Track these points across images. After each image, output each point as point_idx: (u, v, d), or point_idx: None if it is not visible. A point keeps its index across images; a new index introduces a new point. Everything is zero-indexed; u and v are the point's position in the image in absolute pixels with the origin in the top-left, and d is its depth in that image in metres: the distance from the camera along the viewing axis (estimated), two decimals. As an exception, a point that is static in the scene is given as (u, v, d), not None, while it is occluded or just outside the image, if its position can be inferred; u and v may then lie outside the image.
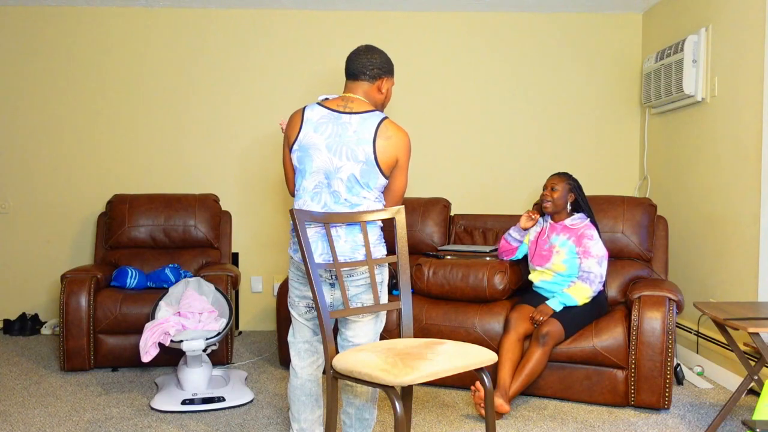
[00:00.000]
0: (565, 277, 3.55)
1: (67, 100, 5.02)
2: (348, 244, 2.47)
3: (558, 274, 3.56)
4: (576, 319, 3.42)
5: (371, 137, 2.42)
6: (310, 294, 2.51)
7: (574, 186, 3.63)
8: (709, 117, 4.00)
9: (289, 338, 2.65)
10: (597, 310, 3.51)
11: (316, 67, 5.06)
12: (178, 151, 5.06)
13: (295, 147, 2.48)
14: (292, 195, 2.60)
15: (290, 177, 2.58)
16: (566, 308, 3.44)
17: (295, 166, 2.51)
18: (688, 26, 4.25)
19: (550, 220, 3.67)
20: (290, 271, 2.59)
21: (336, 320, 2.57)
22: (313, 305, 2.49)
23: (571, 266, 3.53)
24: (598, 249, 3.47)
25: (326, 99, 2.53)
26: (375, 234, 2.54)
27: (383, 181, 2.49)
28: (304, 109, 2.50)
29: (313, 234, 2.47)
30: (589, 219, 3.59)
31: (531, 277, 3.70)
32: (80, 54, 5.02)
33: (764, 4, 3.43)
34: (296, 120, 2.50)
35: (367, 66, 2.50)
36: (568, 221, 3.59)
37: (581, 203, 3.63)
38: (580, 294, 3.43)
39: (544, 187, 3.64)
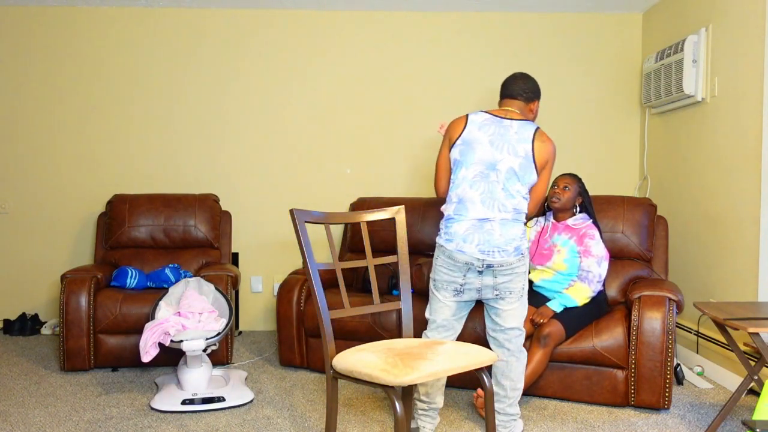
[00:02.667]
0: (566, 276, 3.55)
1: (67, 99, 5.02)
2: (503, 237, 2.80)
3: (559, 273, 3.56)
4: (576, 319, 3.42)
5: (530, 138, 2.85)
6: (459, 280, 2.84)
7: (584, 189, 3.64)
8: (709, 117, 4.00)
9: (427, 315, 2.98)
10: (597, 310, 3.50)
11: (316, 66, 5.06)
12: (178, 151, 5.06)
13: (458, 142, 2.89)
14: (440, 194, 3.03)
15: (442, 176, 3.00)
16: (566, 309, 3.43)
17: (454, 159, 2.90)
18: (688, 26, 4.25)
19: (552, 219, 3.66)
20: (439, 258, 2.89)
21: (485, 309, 2.99)
22: (461, 288, 2.85)
23: (572, 265, 3.52)
24: (598, 249, 3.47)
25: (485, 111, 2.96)
26: (520, 229, 2.86)
27: (534, 178, 2.87)
28: (468, 114, 2.94)
29: (470, 227, 2.81)
30: (591, 220, 3.59)
31: (531, 276, 3.69)
32: (80, 54, 5.02)
33: (764, 4, 3.43)
34: (461, 122, 2.93)
35: (524, 90, 2.98)
36: (570, 221, 3.58)
37: (587, 206, 3.63)
38: (580, 294, 3.43)
39: (554, 184, 3.63)
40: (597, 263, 3.45)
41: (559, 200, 3.57)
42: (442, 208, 2.93)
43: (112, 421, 3.20)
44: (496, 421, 2.90)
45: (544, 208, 3.73)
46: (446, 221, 2.88)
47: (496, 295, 2.85)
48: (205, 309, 3.63)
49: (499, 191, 2.82)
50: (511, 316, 2.89)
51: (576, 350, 3.38)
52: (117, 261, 4.48)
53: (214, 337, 3.46)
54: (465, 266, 2.81)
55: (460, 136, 2.89)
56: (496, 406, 2.93)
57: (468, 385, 3.63)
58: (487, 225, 2.80)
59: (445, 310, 2.90)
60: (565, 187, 3.57)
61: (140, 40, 5.02)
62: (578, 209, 3.62)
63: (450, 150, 2.92)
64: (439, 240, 2.90)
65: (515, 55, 5.06)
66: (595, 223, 3.58)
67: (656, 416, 3.27)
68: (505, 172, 2.82)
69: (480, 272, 2.81)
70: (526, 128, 2.87)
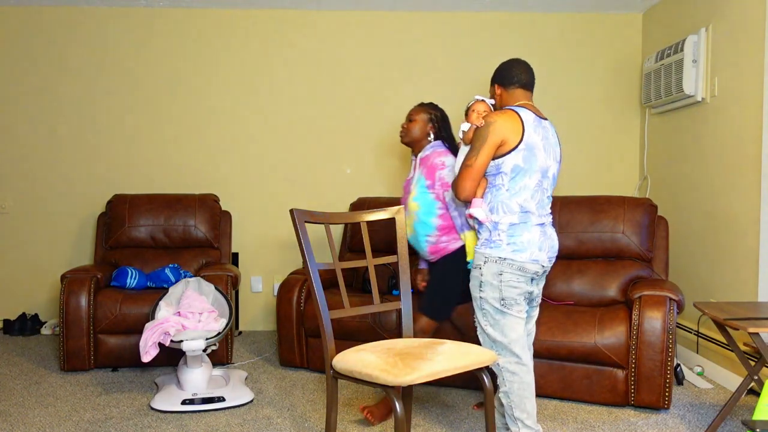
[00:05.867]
0: (422, 221, 3.10)
1: (67, 99, 5.02)
2: (557, 242, 2.75)
3: (416, 216, 3.12)
4: (440, 295, 3.11)
5: (559, 141, 2.79)
6: (530, 287, 2.69)
7: (437, 117, 3.21)
8: (709, 117, 4.00)
9: (502, 339, 2.65)
10: (456, 272, 3.08)
11: (316, 66, 5.06)
12: (178, 151, 5.06)
13: (522, 146, 2.61)
14: (464, 198, 2.67)
15: (477, 179, 2.64)
16: (428, 289, 3.11)
17: (515, 165, 2.62)
18: (688, 26, 4.25)
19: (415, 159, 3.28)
20: (505, 273, 2.62)
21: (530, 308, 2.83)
22: (531, 296, 2.74)
23: (425, 203, 3.08)
24: (450, 177, 3.02)
25: (523, 106, 2.72)
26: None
27: None
28: (516, 111, 2.65)
29: (540, 235, 2.66)
30: (445, 147, 3.15)
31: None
32: (80, 54, 5.01)
33: (764, 4, 3.43)
34: (517, 122, 2.62)
35: (534, 79, 2.81)
36: (422, 153, 3.20)
37: (445, 136, 3.22)
38: (472, 245, 2.93)
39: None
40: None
41: (405, 134, 3.24)
42: (491, 219, 2.67)
43: (112, 421, 3.20)
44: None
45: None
46: (511, 230, 2.63)
47: (532, 301, 2.80)
48: (205, 309, 3.63)
49: (545, 198, 2.71)
50: (534, 320, 2.87)
51: (577, 345, 3.37)
52: (117, 261, 4.48)
53: (214, 337, 3.46)
54: (532, 274, 2.67)
55: (522, 139, 2.60)
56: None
57: (469, 385, 3.63)
58: (548, 230, 2.71)
59: (521, 323, 2.69)
60: (410, 119, 3.24)
61: (140, 40, 5.02)
62: (432, 137, 3.21)
63: (506, 154, 2.61)
64: (498, 253, 2.62)
65: (515, 54, 5.05)
66: (451, 148, 3.16)
67: (656, 416, 3.27)
68: (552, 179, 2.73)
69: (533, 280, 2.72)
70: (554, 130, 2.79)
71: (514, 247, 2.61)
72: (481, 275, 2.64)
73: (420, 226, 3.12)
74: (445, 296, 3.14)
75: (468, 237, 2.99)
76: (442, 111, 3.28)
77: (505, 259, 2.61)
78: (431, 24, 5.05)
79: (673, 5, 4.52)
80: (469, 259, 2.96)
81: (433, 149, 3.16)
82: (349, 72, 5.07)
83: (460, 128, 2.87)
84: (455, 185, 2.68)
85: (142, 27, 5.02)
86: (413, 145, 3.26)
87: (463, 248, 3.06)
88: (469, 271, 2.78)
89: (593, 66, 5.05)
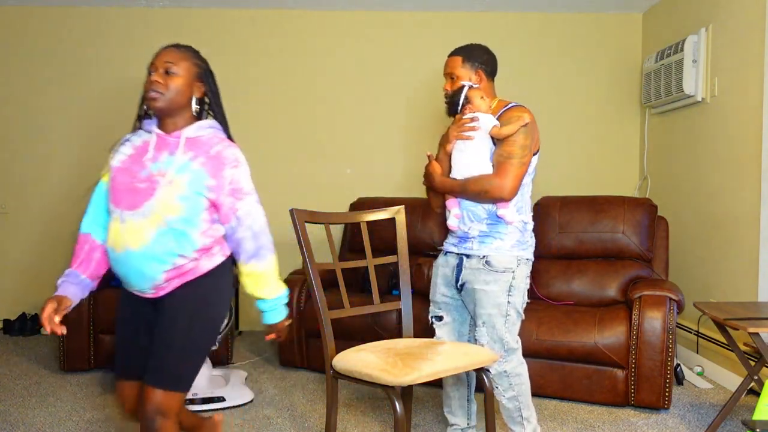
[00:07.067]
0: (177, 231, 1.97)
1: (66, 99, 5.02)
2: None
3: (168, 224, 1.97)
4: (192, 346, 2.06)
5: None
6: None
7: (205, 71, 2.20)
8: (709, 117, 4.00)
9: (515, 345, 2.57)
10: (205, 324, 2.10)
11: (316, 66, 5.06)
12: (178, 151, 5.06)
13: (539, 151, 2.60)
14: (511, 198, 2.50)
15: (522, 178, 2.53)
16: (166, 341, 2.02)
17: (535, 165, 2.58)
18: (688, 26, 4.24)
19: (155, 129, 2.08)
20: (526, 278, 2.58)
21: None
22: None
23: (192, 209, 2.00)
24: (247, 180, 2.16)
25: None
26: None
27: None
28: (526, 108, 2.58)
29: None
30: (226, 133, 2.18)
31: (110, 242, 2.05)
32: (80, 53, 5.01)
33: (764, 4, 3.43)
34: (536, 123, 2.56)
35: None
36: (193, 130, 2.07)
37: (213, 107, 2.16)
38: (264, 281, 2.13)
39: (152, 69, 2.08)
40: (258, 203, 2.15)
41: (158, 93, 2.02)
42: (520, 217, 2.57)
43: (112, 421, 3.20)
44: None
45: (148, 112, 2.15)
46: (529, 231, 2.61)
47: None
48: (205, 309, 3.62)
49: None
50: None
51: (577, 345, 3.36)
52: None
53: (214, 337, 3.45)
54: None
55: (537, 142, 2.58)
56: None
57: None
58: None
59: None
60: (168, 70, 2.03)
61: (140, 40, 5.02)
62: (200, 108, 2.13)
63: (535, 153, 2.58)
64: (527, 254, 2.57)
65: (515, 54, 5.05)
66: (227, 132, 2.21)
67: (656, 416, 3.27)
68: None
69: None
70: None
71: (532, 249, 2.61)
72: (513, 278, 2.52)
73: (167, 237, 1.99)
74: (199, 347, 2.09)
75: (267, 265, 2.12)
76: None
77: (530, 260, 2.59)
78: (431, 24, 5.05)
79: (673, 5, 4.52)
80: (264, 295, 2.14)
81: (216, 132, 2.15)
82: (349, 72, 5.07)
83: (486, 122, 2.57)
84: (501, 183, 2.47)
85: (142, 27, 5.02)
86: (169, 112, 2.09)
87: (222, 267, 2.11)
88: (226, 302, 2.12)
89: (593, 66, 5.05)
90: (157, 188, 2.00)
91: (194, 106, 2.15)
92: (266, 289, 2.16)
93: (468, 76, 2.68)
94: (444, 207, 2.71)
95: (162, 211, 1.98)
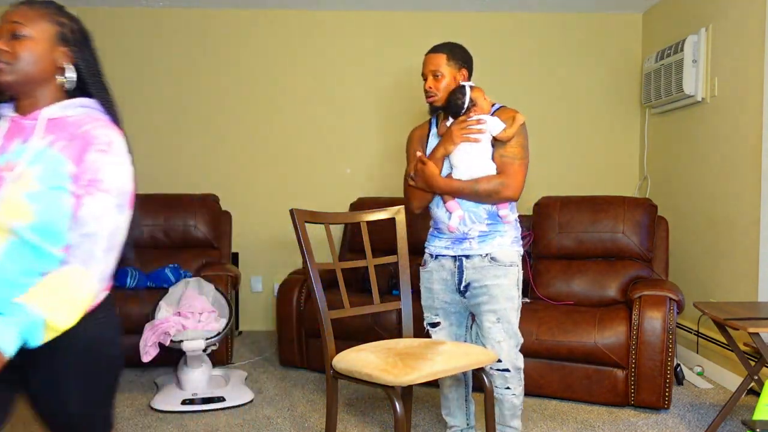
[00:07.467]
0: (33, 247, 1.48)
1: (67, 100, 5.02)
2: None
3: (18, 235, 1.47)
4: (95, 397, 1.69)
5: None
6: None
7: (73, 32, 1.62)
8: (709, 117, 4.00)
9: (521, 339, 2.61)
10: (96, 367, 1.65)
11: (316, 66, 5.06)
12: (178, 151, 5.06)
13: None
14: (518, 197, 2.60)
15: None
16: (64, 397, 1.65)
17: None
18: (688, 26, 4.24)
19: (9, 112, 1.60)
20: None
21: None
22: None
23: (48, 213, 1.49)
24: (116, 176, 1.66)
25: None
26: None
27: None
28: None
29: None
30: (101, 109, 1.70)
31: None
32: (80, 54, 5.01)
33: (764, 4, 3.43)
34: None
35: None
36: (56, 109, 1.58)
37: (87, 78, 1.64)
38: (55, 301, 1.42)
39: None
40: (115, 208, 1.63)
41: (5, 64, 1.51)
42: (515, 216, 2.65)
43: (112, 421, 3.20)
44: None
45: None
46: (519, 228, 2.69)
47: None
48: (205, 309, 3.63)
49: None
50: None
51: (577, 344, 3.37)
52: (117, 261, 4.47)
53: (214, 337, 3.46)
54: None
55: None
56: None
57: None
58: None
59: None
60: (15, 32, 1.52)
61: (140, 40, 5.02)
62: (66, 83, 1.60)
63: None
64: (521, 249, 2.65)
65: (515, 55, 5.05)
66: (113, 115, 1.72)
67: (656, 416, 3.27)
68: None
69: None
70: None
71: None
72: (519, 271, 2.58)
73: (22, 252, 1.49)
74: (101, 397, 1.71)
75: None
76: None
77: (522, 256, 2.66)
78: (431, 24, 5.05)
79: (673, 5, 4.52)
80: None
81: (85, 110, 1.63)
82: (349, 72, 5.07)
83: (493, 125, 2.54)
84: (513, 184, 2.53)
85: (142, 27, 5.02)
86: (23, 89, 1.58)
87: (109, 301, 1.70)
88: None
89: (593, 66, 5.05)
90: (1, 186, 1.47)
91: (60, 79, 1.59)
92: (42, 297, 1.40)
93: (453, 75, 2.64)
94: (426, 209, 2.69)
95: (7, 217, 1.44)
